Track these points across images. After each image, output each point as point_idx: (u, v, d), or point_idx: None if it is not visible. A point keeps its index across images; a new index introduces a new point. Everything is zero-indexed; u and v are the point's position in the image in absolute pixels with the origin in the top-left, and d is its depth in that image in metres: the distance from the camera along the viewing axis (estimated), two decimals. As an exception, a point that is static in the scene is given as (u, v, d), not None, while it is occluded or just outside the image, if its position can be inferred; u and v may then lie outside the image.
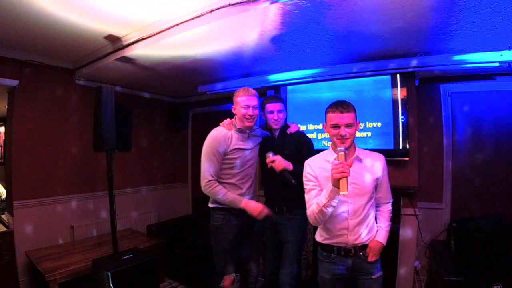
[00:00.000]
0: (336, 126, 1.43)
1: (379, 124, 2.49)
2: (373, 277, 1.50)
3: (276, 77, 2.90)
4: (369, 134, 2.55)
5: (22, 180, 2.70)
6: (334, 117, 1.43)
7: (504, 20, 1.73)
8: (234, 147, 1.85)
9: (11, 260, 2.49)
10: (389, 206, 1.60)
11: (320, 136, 2.78)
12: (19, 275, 2.56)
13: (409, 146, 2.40)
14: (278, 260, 1.95)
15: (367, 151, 1.57)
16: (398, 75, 2.43)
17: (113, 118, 2.32)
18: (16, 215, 2.63)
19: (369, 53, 2.37)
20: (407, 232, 2.39)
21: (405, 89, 2.42)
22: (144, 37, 2.14)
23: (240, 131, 1.89)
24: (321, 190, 1.49)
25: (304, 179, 1.56)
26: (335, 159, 1.40)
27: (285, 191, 1.87)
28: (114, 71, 2.83)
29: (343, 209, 1.46)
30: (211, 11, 1.75)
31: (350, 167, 1.29)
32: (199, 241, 2.93)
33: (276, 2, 1.57)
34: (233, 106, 1.91)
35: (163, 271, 3.09)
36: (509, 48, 2.08)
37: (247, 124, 1.85)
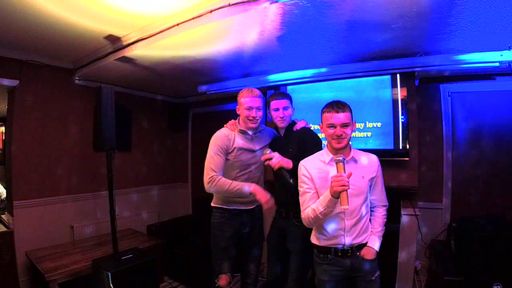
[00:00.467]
0: (332, 126, 1.44)
1: (379, 124, 2.49)
2: (372, 278, 1.50)
3: (276, 77, 2.90)
4: (369, 134, 2.55)
5: (22, 180, 2.70)
6: (330, 117, 1.44)
7: (504, 20, 1.73)
8: (237, 147, 1.82)
9: (11, 260, 2.49)
10: (383, 211, 1.59)
11: (320, 136, 2.77)
12: (19, 275, 2.56)
13: (409, 146, 2.40)
14: (282, 265, 1.91)
15: (361, 151, 1.58)
16: (398, 75, 2.43)
17: (113, 118, 2.32)
18: (16, 215, 2.63)
19: (369, 53, 2.37)
20: (407, 232, 2.39)
21: (405, 89, 2.42)
22: (144, 37, 2.14)
23: (242, 132, 1.86)
24: (316, 192, 1.49)
25: (299, 180, 1.55)
26: (335, 165, 1.36)
27: (292, 196, 1.76)
28: (114, 71, 2.83)
29: (339, 210, 1.44)
30: (211, 11, 1.75)
31: (349, 178, 1.28)
32: (199, 241, 2.93)
33: (276, 2, 1.57)
34: (237, 106, 1.88)
35: (163, 271, 3.09)
36: (509, 48, 2.08)
37: (251, 125, 1.83)
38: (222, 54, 2.43)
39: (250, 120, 1.81)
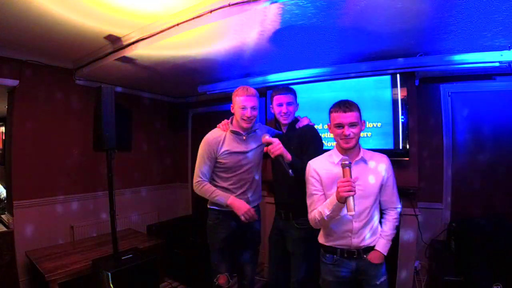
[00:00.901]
0: (340, 125, 1.41)
1: (379, 124, 2.49)
2: (378, 282, 1.46)
3: (276, 77, 2.90)
4: (369, 134, 2.55)
5: (22, 180, 2.70)
6: (337, 116, 1.42)
7: (504, 20, 1.73)
8: (225, 150, 1.77)
9: (11, 260, 2.49)
10: (394, 214, 1.51)
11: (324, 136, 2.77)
12: (19, 275, 2.56)
13: (409, 146, 2.40)
14: (282, 266, 1.89)
15: (372, 152, 1.53)
16: (398, 75, 2.43)
17: (113, 118, 2.31)
18: (16, 215, 2.63)
19: (369, 53, 2.37)
20: (407, 232, 2.39)
21: (405, 89, 2.42)
22: (144, 37, 2.14)
23: (235, 133, 1.81)
24: (324, 194, 1.48)
25: (307, 181, 1.53)
26: (343, 166, 1.32)
27: (293, 196, 1.76)
28: (114, 71, 2.83)
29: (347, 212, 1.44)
30: (211, 11, 1.75)
31: (355, 182, 1.27)
32: (199, 241, 2.93)
33: (276, 2, 1.57)
34: (231, 105, 1.82)
35: (163, 271, 3.09)
36: (509, 48, 2.08)
37: (244, 125, 1.77)
38: (222, 54, 2.43)
39: (244, 120, 1.75)
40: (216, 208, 1.85)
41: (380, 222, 1.53)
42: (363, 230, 1.45)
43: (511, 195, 2.40)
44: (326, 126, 2.70)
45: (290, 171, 1.53)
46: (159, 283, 2.79)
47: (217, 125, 1.90)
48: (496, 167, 2.48)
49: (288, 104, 1.79)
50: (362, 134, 2.59)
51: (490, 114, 2.53)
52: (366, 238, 1.45)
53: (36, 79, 2.79)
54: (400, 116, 2.42)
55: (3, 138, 3.86)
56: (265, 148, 1.63)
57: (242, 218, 1.73)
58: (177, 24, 1.93)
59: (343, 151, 1.46)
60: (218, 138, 1.79)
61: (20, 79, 2.67)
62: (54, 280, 2.15)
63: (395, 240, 2.33)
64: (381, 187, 1.48)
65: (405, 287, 2.40)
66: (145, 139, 3.92)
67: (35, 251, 2.57)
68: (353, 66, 2.52)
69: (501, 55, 2.08)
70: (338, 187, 1.28)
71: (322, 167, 1.50)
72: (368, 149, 1.56)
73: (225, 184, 1.83)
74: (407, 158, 2.38)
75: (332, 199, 1.33)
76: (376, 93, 2.52)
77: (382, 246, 1.46)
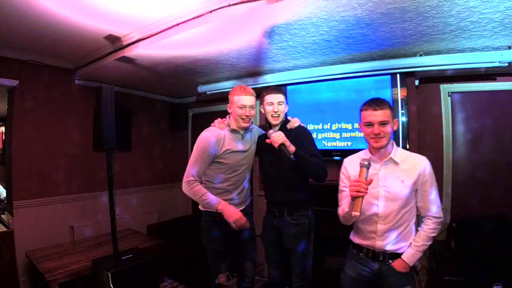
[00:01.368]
0: (370, 124, 1.37)
1: (379, 124, 2.49)
2: None
3: (276, 77, 2.91)
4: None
5: (22, 180, 2.70)
6: (367, 114, 1.37)
7: (504, 20, 1.73)
8: (226, 149, 1.74)
9: (11, 260, 2.49)
10: (431, 224, 1.38)
11: (320, 136, 2.78)
12: (19, 275, 2.56)
13: (409, 146, 2.40)
14: (281, 264, 1.90)
15: (409, 153, 1.45)
16: (398, 75, 2.43)
17: (113, 118, 2.31)
18: (16, 215, 2.63)
19: (369, 53, 2.37)
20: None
21: (405, 89, 2.43)
22: (144, 37, 2.14)
23: (234, 131, 1.78)
24: (352, 180, 1.45)
25: (340, 177, 1.55)
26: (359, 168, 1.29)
27: (287, 196, 1.76)
28: (114, 71, 2.83)
29: (373, 212, 1.41)
30: (211, 11, 1.75)
31: (369, 184, 1.24)
32: (199, 241, 2.91)
33: (276, 2, 1.57)
34: (228, 105, 1.80)
35: (163, 271, 3.09)
36: (509, 48, 2.08)
37: (243, 124, 1.74)
38: (222, 54, 2.43)
39: (243, 119, 1.72)
40: (211, 211, 1.80)
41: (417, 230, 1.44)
42: (389, 233, 1.39)
43: (511, 195, 2.40)
44: (326, 126, 2.75)
45: (292, 156, 1.55)
46: (159, 283, 2.79)
47: (212, 124, 1.84)
48: (496, 168, 2.48)
49: (279, 103, 1.77)
50: (361, 134, 2.59)
51: (490, 114, 2.53)
52: (392, 242, 1.39)
53: (36, 79, 2.79)
54: (400, 116, 2.42)
55: (3, 138, 3.86)
56: (267, 140, 1.63)
57: (233, 225, 1.64)
58: (177, 24, 1.93)
59: (374, 150, 1.43)
60: (219, 137, 1.74)
61: (20, 79, 2.67)
62: (54, 280, 2.15)
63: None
64: (416, 192, 1.39)
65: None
66: (145, 139, 3.92)
67: (35, 251, 2.57)
68: (353, 66, 2.53)
69: (501, 55, 2.08)
70: (349, 186, 1.28)
71: (352, 165, 1.48)
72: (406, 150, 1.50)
73: (223, 185, 1.79)
74: (407, 158, 2.38)
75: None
76: (376, 93, 2.52)
77: (408, 255, 1.38)
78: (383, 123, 1.35)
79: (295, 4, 1.59)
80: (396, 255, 1.40)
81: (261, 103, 1.84)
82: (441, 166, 2.65)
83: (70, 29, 2.11)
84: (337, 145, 2.71)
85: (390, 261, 1.40)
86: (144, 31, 2.13)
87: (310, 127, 2.82)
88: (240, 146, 1.80)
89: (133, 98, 3.73)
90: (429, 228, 1.39)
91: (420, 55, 2.30)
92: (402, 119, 2.41)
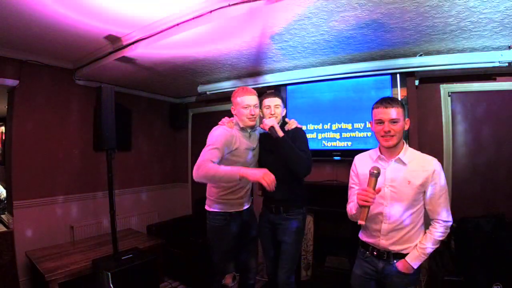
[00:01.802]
0: (380, 122, 1.36)
1: (379, 124, 2.49)
2: None
3: (276, 77, 2.90)
4: (369, 134, 2.56)
5: (22, 180, 2.70)
6: (378, 112, 1.37)
7: (504, 20, 1.73)
8: (238, 146, 1.79)
9: (11, 260, 2.49)
10: (440, 227, 1.37)
11: (320, 136, 2.78)
12: (19, 275, 2.56)
13: (409, 146, 2.40)
14: (278, 259, 1.94)
15: (419, 154, 1.42)
16: (398, 75, 2.43)
17: (113, 118, 2.32)
18: (16, 215, 2.63)
19: (369, 53, 2.37)
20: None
21: (405, 89, 2.43)
22: (144, 37, 2.14)
23: (242, 129, 1.85)
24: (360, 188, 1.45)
25: (350, 172, 1.57)
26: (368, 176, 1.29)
27: (283, 194, 1.82)
28: (114, 71, 2.83)
29: (379, 210, 1.41)
30: (211, 11, 1.75)
31: (377, 193, 1.25)
32: (199, 241, 2.93)
33: (276, 2, 1.57)
34: (232, 107, 1.87)
35: (163, 271, 3.09)
36: (509, 48, 2.08)
37: (250, 123, 1.82)
38: (222, 54, 2.43)
39: (249, 118, 1.79)
40: (221, 211, 1.85)
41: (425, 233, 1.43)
42: (394, 233, 1.39)
43: (511, 196, 2.40)
44: (326, 126, 2.75)
45: (277, 135, 1.72)
46: (159, 283, 2.79)
47: (219, 123, 1.87)
48: (496, 168, 2.48)
49: (275, 106, 1.87)
50: (362, 134, 2.60)
51: (490, 114, 2.53)
52: (397, 243, 1.39)
53: (36, 79, 2.79)
54: (401, 116, 2.41)
55: (3, 138, 3.86)
56: (260, 125, 1.82)
57: (264, 183, 1.50)
58: (177, 24, 1.93)
59: (384, 149, 1.42)
60: (232, 133, 1.79)
61: (20, 79, 2.67)
62: (54, 280, 2.15)
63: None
64: (424, 194, 1.37)
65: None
66: (145, 139, 3.92)
67: (35, 251, 2.57)
68: (353, 66, 2.52)
69: (501, 55, 2.08)
70: (357, 194, 1.28)
71: (361, 163, 1.50)
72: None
73: (232, 184, 1.83)
74: (407, 158, 2.38)
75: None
76: (376, 93, 2.52)
77: (412, 257, 1.37)
78: (393, 121, 1.34)
79: (295, 4, 1.60)
80: (401, 256, 1.39)
81: (260, 107, 1.93)
82: (441, 166, 2.65)
83: (70, 29, 2.12)
84: (337, 145, 2.71)
85: (395, 261, 1.40)
86: (144, 31, 2.13)
87: (310, 127, 2.82)
88: (249, 144, 1.86)
89: (133, 98, 3.73)
90: (436, 231, 1.37)
91: (420, 55, 2.30)
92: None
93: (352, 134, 2.65)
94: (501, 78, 2.44)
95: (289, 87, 2.94)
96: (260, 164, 1.96)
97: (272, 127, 1.73)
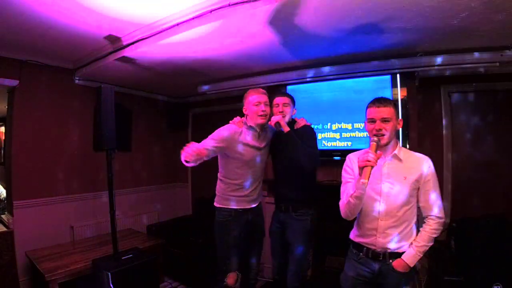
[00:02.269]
0: (372, 120, 1.39)
1: (379, 124, 2.49)
2: None
3: (276, 77, 2.90)
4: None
5: (22, 180, 2.70)
6: (371, 111, 1.41)
7: (504, 20, 1.73)
8: (243, 142, 1.82)
9: (11, 260, 2.49)
10: (434, 224, 1.39)
11: (320, 136, 2.78)
12: (19, 275, 2.56)
13: (409, 146, 2.40)
14: (285, 259, 1.95)
15: (412, 152, 1.47)
16: (398, 75, 2.43)
17: (113, 118, 2.31)
18: (16, 215, 2.63)
19: (369, 53, 2.37)
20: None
21: (405, 89, 2.43)
22: (144, 37, 2.14)
23: (250, 128, 1.87)
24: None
25: (342, 171, 1.55)
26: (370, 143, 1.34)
27: (293, 193, 1.88)
28: (114, 71, 2.83)
29: (374, 207, 1.41)
30: (211, 11, 1.75)
31: (378, 158, 1.26)
32: (199, 241, 2.93)
33: (276, 2, 1.57)
34: (244, 107, 1.90)
35: (163, 271, 3.09)
36: (509, 48, 2.08)
37: (260, 121, 1.83)
38: (222, 54, 2.43)
39: (260, 115, 1.82)
40: (226, 207, 1.89)
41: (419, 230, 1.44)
42: (390, 231, 1.39)
43: (511, 196, 2.40)
44: (326, 126, 2.75)
45: (281, 129, 1.78)
46: (159, 283, 2.79)
47: (230, 122, 1.93)
48: (496, 168, 2.48)
49: (284, 105, 1.90)
50: (362, 134, 2.59)
51: (490, 114, 2.53)
52: (394, 241, 1.39)
53: (36, 79, 2.79)
54: (400, 116, 2.41)
55: (3, 138, 3.86)
56: (270, 122, 1.83)
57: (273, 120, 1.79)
58: (177, 24, 1.93)
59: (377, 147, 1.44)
60: (237, 129, 1.84)
61: (20, 79, 2.67)
62: (54, 280, 2.15)
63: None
64: (417, 191, 1.41)
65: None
66: (145, 139, 3.92)
67: (35, 251, 2.57)
68: (353, 66, 2.53)
69: (501, 55, 2.08)
70: (357, 158, 1.28)
71: (355, 159, 1.48)
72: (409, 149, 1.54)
73: (238, 181, 1.86)
74: (407, 158, 2.38)
75: (355, 177, 1.33)
76: (376, 93, 2.49)
77: (408, 255, 1.38)
78: (385, 120, 1.37)
79: (294, 4, 1.59)
80: (396, 255, 1.40)
81: (270, 106, 1.95)
82: (441, 166, 2.65)
83: (70, 29, 2.11)
84: (337, 145, 2.71)
85: (391, 261, 1.40)
86: (144, 31, 2.13)
87: (310, 127, 2.82)
88: (255, 143, 1.88)
89: (133, 98, 3.73)
90: (431, 228, 1.39)
91: (420, 55, 2.30)
92: (402, 119, 2.41)
93: (352, 134, 2.65)
94: (501, 78, 2.44)
95: (289, 87, 2.94)
96: (274, 163, 2.02)
97: (277, 122, 1.79)
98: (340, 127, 2.70)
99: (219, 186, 1.93)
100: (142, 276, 2.37)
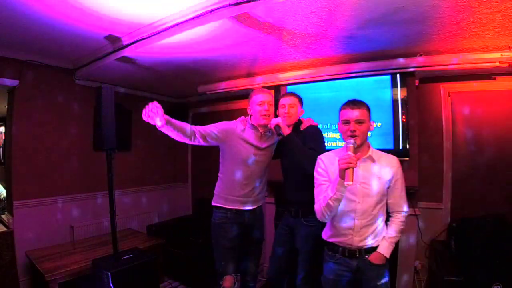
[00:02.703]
0: (346, 122, 1.42)
1: (379, 124, 2.50)
2: (378, 283, 1.46)
3: (276, 77, 2.90)
4: (369, 134, 2.54)
5: (22, 180, 2.70)
6: (345, 113, 1.44)
7: (504, 20, 1.73)
8: (242, 137, 1.82)
9: (11, 260, 2.49)
10: (401, 217, 1.51)
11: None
12: (19, 275, 2.56)
13: (409, 146, 2.40)
14: (285, 261, 1.93)
15: (382, 152, 1.53)
16: (398, 75, 2.43)
17: (113, 118, 2.31)
18: (16, 215, 2.63)
19: (369, 53, 2.37)
20: (407, 233, 2.39)
21: (405, 89, 2.43)
22: (144, 37, 2.14)
23: (253, 127, 1.86)
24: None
25: (315, 173, 1.55)
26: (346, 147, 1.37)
27: (301, 196, 1.82)
28: (114, 71, 2.83)
29: (350, 208, 1.44)
30: (211, 11, 1.75)
31: (357, 159, 1.28)
32: (199, 241, 2.93)
33: (276, 2, 1.57)
34: (248, 107, 1.90)
35: (163, 271, 3.09)
36: (509, 48, 2.08)
37: (263, 121, 1.82)
38: (222, 54, 2.43)
39: (263, 115, 1.81)
40: (223, 206, 1.86)
41: (386, 225, 1.52)
42: (365, 229, 1.44)
43: (511, 196, 2.40)
44: (326, 127, 2.75)
45: (280, 132, 1.74)
46: (159, 283, 2.78)
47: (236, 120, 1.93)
48: (496, 167, 2.48)
49: (290, 106, 1.88)
50: (362, 134, 2.59)
51: (490, 114, 2.53)
52: (369, 238, 1.45)
53: (36, 79, 2.79)
54: (400, 116, 2.42)
55: (3, 138, 3.86)
56: (269, 125, 1.80)
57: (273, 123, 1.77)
58: (177, 24, 1.93)
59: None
60: (240, 127, 1.86)
61: (20, 79, 2.67)
62: (54, 280, 2.14)
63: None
64: (388, 189, 1.48)
65: (405, 287, 2.40)
66: (145, 139, 3.91)
67: (35, 251, 2.57)
68: (353, 66, 2.52)
69: (501, 55, 2.08)
70: (338, 161, 1.29)
71: (328, 161, 1.51)
72: (379, 150, 1.55)
73: (234, 179, 1.84)
74: (407, 158, 2.38)
75: (335, 179, 1.34)
76: (376, 93, 2.52)
77: (384, 248, 1.46)
78: (359, 121, 1.41)
79: (294, 3, 1.59)
80: (371, 250, 1.46)
81: (276, 107, 1.96)
82: (441, 166, 2.65)
83: (70, 29, 2.11)
84: (337, 145, 2.71)
85: (367, 256, 1.46)
86: (144, 31, 2.13)
87: (310, 127, 2.82)
88: (256, 142, 1.86)
89: (133, 98, 3.72)
90: (400, 221, 1.50)
91: (420, 55, 2.30)
92: (402, 119, 2.41)
93: (352, 134, 2.64)
94: (501, 78, 2.44)
95: (289, 87, 2.93)
96: (281, 166, 2.00)
97: (277, 125, 1.75)
98: (340, 127, 2.70)
99: (217, 184, 1.93)
100: (142, 276, 2.37)
